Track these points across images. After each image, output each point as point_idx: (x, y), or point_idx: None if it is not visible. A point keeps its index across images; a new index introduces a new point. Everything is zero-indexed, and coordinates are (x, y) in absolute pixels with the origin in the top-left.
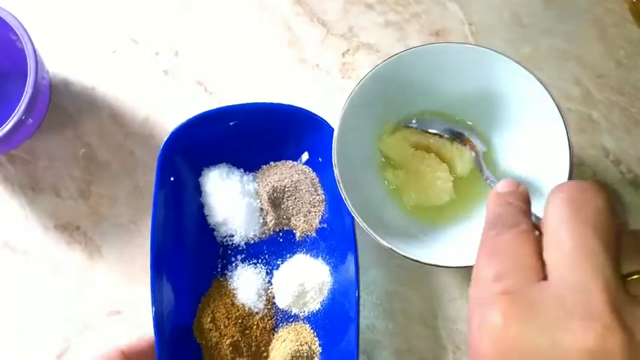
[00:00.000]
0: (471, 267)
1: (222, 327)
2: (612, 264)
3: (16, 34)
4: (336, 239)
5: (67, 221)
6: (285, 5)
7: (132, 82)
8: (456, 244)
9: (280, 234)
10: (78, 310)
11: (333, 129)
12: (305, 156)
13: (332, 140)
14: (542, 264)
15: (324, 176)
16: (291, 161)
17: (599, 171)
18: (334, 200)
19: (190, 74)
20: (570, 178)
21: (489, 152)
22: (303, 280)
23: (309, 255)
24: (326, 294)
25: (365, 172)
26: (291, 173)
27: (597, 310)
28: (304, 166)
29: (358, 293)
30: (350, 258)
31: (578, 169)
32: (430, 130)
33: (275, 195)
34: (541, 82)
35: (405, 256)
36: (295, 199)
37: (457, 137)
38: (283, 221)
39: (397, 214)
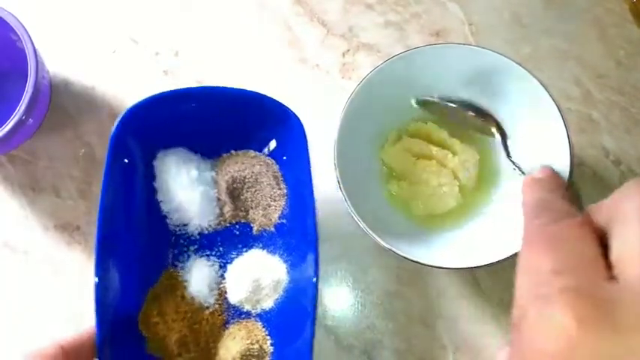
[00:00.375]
0: (471, 268)
1: (169, 321)
2: None
3: (16, 34)
4: (296, 237)
5: (67, 221)
6: (285, 5)
7: (132, 82)
8: (456, 245)
9: (237, 226)
10: (78, 310)
11: (299, 120)
12: (273, 143)
13: (298, 132)
14: (607, 263)
15: (288, 170)
16: (253, 151)
17: (599, 171)
18: (296, 196)
19: (190, 74)
20: (571, 178)
21: (490, 152)
22: (258, 277)
23: (265, 251)
24: (281, 292)
25: (365, 175)
26: (253, 164)
27: None
28: (267, 158)
29: (316, 294)
30: (310, 258)
31: (578, 169)
32: (451, 104)
33: (234, 185)
34: (541, 83)
35: (405, 257)
36: (255, 191)
37: (482, 115)
38: (240, 213)
39: (396, 214)
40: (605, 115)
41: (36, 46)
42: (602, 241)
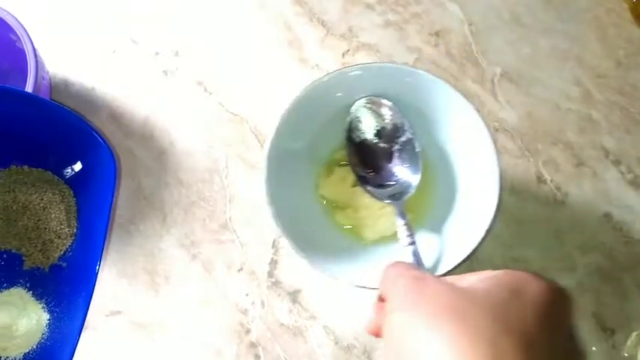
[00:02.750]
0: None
1: None
2: None
3: (16, 34)
4: (71, 286)
5: None
6: (285, 5)
7: (132, 82)
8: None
9: (4, 255)
10: None
11: (110, 151)
12: (77, 166)
13: (107, 163)
14: None
15: (87, 204)
16: (51, 174)
17: (599, 171)
18: (86, 240)
19: (190, 74)
20: (500, 199)
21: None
22: (11, 322)
23: (31, 293)
24: (34, 346)
25: (305, 207)
26: (45, 189)
27: None
28: (65, 187)
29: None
30: (79, 314)
31: (578, 169)
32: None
33: (15, 207)
34: (472, 105)
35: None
36: (39, 221)
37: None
38: (13, 242)
39: (346, 241)
40: (605, 115)
41: (36, 46)
42: None
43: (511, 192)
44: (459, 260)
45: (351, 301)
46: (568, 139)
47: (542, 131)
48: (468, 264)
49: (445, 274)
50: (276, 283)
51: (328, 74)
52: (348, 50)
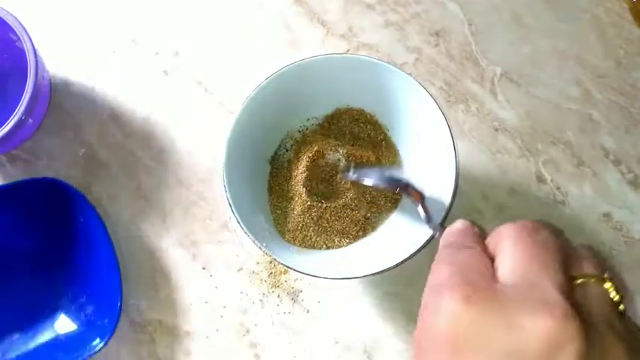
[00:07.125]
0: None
1: None
2: (561, 272)
3: (16, 34)
4: None
5: None
6: (285, 5)
7: (132, 82)
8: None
9: None
10: None
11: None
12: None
13: None
14: (496, 277)
15: None
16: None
17: (599, 171)
18: None
19: (190, 74)
20: (455, 190)
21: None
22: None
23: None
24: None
25: (259, 196)
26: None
27: (554, 300)
28: None
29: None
30: None
31: (578, 169)
32: (366, 183)
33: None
34: (430, 94)
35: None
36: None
37: (400, 187)
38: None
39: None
40: (605, 115)
41: (36, 46)
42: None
43: (511, 192)
44: (416, 248)
45: (351, 300)
46: (568, 139)
47: (542, 131)
48: None
49: (405, 260)
50: (276, 283)
51: (294, 63)
52: (349, 50)
